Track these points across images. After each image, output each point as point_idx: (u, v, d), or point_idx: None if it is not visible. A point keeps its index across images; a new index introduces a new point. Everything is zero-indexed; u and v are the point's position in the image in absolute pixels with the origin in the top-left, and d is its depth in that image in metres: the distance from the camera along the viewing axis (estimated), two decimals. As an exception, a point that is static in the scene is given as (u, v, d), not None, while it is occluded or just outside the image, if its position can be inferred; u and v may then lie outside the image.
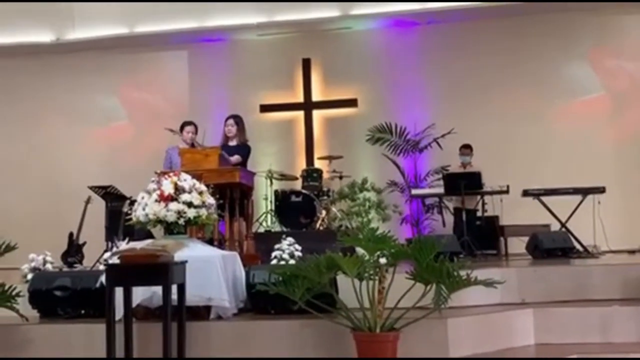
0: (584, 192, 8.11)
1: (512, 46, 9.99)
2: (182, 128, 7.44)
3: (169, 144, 7.58)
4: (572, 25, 9.88)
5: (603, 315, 4.98)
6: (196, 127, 7.38)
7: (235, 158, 6.88)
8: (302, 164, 10.09)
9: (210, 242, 6.04)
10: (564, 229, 7.93)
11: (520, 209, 8.40)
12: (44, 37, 10.66)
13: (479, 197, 8.39)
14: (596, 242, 8.05)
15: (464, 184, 8.00)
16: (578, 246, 7.67)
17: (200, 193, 4.96)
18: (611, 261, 6.91)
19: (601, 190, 8.09)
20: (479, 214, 8.52)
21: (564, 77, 9.95)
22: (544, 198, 8.16)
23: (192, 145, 7.28)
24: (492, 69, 10.01)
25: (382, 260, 4.26)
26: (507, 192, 8.15)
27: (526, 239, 7.75)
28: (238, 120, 7.23)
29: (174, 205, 4.81)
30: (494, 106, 9.97)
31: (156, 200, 4.83)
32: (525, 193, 8.27)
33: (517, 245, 8.33)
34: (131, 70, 10.85)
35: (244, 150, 7.12)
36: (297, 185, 9.17)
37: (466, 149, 8.80)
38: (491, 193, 8.26)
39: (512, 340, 4.88)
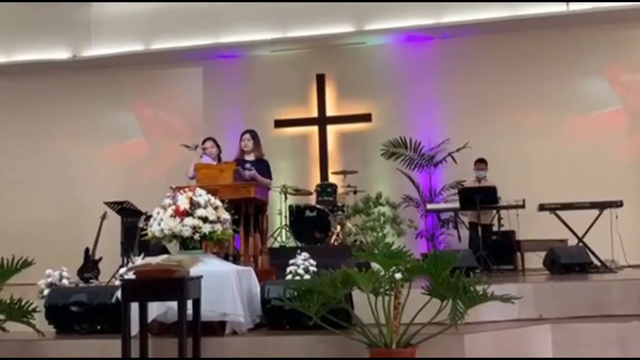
0: (601, 206, 8.04)
1: (526, 60, 9.97)
2: (203, 143, 7.47)
3: (186, 159, 7.61)
4: (588, 40, 9.85)
5: (622, 330, 4.93)
6: (216, 142, 7.42)
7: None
8: (316, 179, 10.11)
9: (225, 257, 6.05)
10: (581, 244, 7.86)
11: (537, 223, 8.33)
12: (61, 54, 10.79)
13: (494, 211, 8.34)
14: (614, 257, 7.94)
15: (480, 198, 7.96)
16: (596, 261, 7.60)
17: (216, 208, 4.98)
18: (630, 276, 6.83)
19: (618, 204, 8.02)
20: (495, 228, 8.46)
21: (580, 91, 9.91)
22: (560, 212, 8.10)
23: (219, 159, 7.31)
24: (507, 83, 9.99)
25: (398, 276, 4.25)
26: (523, 206, 8.09)
27: (543, 254, 7.69)
28: (254, 134, 7.27)
29: (189, 221, 4.83)
30: (509, 120, 9.94)
31: (171, 216, 4.85)
32: (542, 207, 8.21)
33: (534, 260, 8.25)
34: (146, 87, 10.95)
35: (263, 165, 7.14)
36: (312, 200, 9.18)
37: (481, 163, 8.76)
38: (507, 207, 8.20)
39: (529, 356, 4.83)
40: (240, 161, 7.06)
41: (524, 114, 9.91)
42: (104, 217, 8.51)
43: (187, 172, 7.07)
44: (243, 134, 7.30)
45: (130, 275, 4.40)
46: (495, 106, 9.98)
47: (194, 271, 4.42)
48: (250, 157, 7.18)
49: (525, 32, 9.92)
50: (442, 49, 10.28)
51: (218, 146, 7.41)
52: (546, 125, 9.82)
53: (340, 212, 8.83)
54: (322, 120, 10.54)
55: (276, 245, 8.72)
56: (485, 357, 4.57)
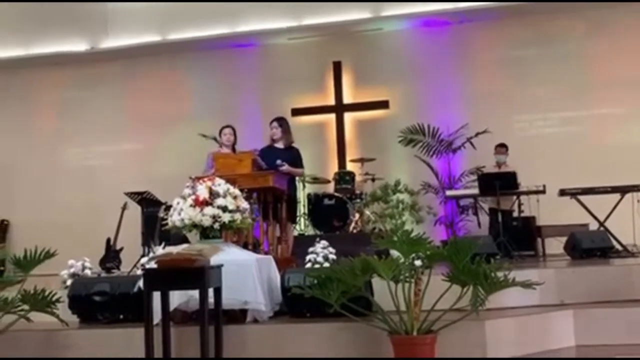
0: (623, 190, 7.97)
1: (546, 43, 9.87)
2: (220, 131, 7.45)
3: (207, 149, 7.62)
4: (609, 20, 9.71)
5: (645, 315, 4.89)
6: (234, 130, 7.38)
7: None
8: (334, 167, 10.10)
9: (244, 246, 6.08)
10: (602, 228, 7.81)
11: (558, 208, 8.28)
12: (78, 46, 10.86)
13: (514, 197, 8.29)
14: (636, 241, 7.89)
15: (500, 184, 7.91)
16: (617, 245, 7.54)
17: (235, 197, 5.00)
18: (652, 260, 6.77)
19: (640, 188, 7.94)
20: (515, 214, 8.41)
21: (601, 73, 9.77)
22: (581, 197, 8.04)
23: (233, 149, 7.29)
24: (526, 67, 9.90)
25: (418, 263, 4.25)
26: (543, 191, 8.05)
27: (564, 239, 7.64)
28: (282, 122, 7.27)
29: (209, 210, 4.86)
30: (528, 104, 9.85)
31: (191, 205, 4.88)
32: (562, 192, 8.16)
33: (555, 245, 8.20)
34: (164, 77, 10.98)
35: (293, 153, 7.15)
36: (330, 188, 9.18)
37: (501, 148, 8.70)
38: (527, 193, 8.16)
39: (551, 342, 4.82)
40: (270, 149, 7.08)
41: (544, 97, 9.81)
42: (124, 207, 8.58)
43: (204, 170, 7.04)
44: (271, 122, 7.29)
45: (152, 265, 4.43)
46: (514, 90, 9.90)
47: (214, 260, 4.45)
48: (279, 145, 7.18)
49: (544, 15, 9.81)
50: (459, 34, 10.20)
51: (235, 135, 7.38)
52: (567, 108, 9.73)
53: (358, 200, 8.82)
54: (340, 108, 10.52)
55: (295, 233, 8.73)
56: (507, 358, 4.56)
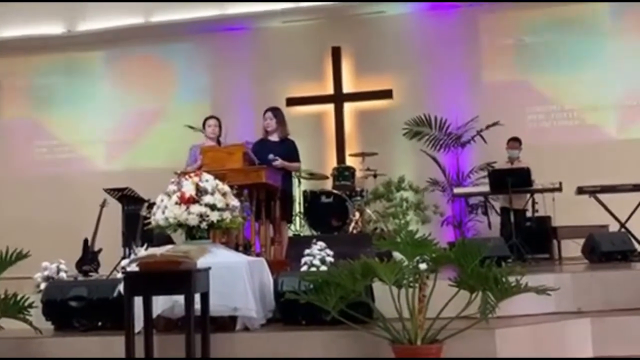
0: (646, 188, 8.01)
1: (564, 28, 9.88)
2: (204, 123, 7.47)
3: (192, 142, 7.63)
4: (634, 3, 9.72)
5: (669, 324, 4.91)
6: (219, 122, 7.39)
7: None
8: (332, 162, 10.11)
9: (235, 247, 6.09)
10: (623, 230, 7.83)
11: (575, 208, 8.30)
12: (53, 29, 10.83)
13: (528, 195, 8.31)
14: (660, 244, 7.92)
15: (512, 181, 7.93)
16: (639, 248, 7.57)
17: (224, 194, 5.00)
18: (677, 265, 6.80)
19: (664, 186, 7.97)
20: (529, 214, 8.44)
21: (623, 61, 9.78)
22: (600, 196, 8.06)
23: (218, 142, 7.30)
24: (541, 54, 9.91)
25: (423, 266, 4.26)
26: (559, 189, 8.06)
27: (581, 241, 7.66)
28: (276, 112, 7.28)
29: (195, 208, 4.86)
30: (544, 95, 9.87)
31: (176, 203, 4.88)
32: (580, 190, 8.18)
33: (572, 248, 8.23)
34: (147, 63, 10.97)
35: (288, 146, 7.17)
36: (328, 185, 9.19)
37: (514, 142, 8.71)
38: (542, 191, 8.17)
39: (567, 353, 4.83)
40: (264, 142, 7.09)
41: (561, 87, 9.82)
42: (103, 205, 8.57)
43: (187, 164, 7.05)
44: (265, 112, 7.30)
45: (133, 268, 4.44)
46: (529, 80, 9.91)
47: (201, 262, 4.45)
48: (274, 137, 7.20)
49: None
50: (469, 17, 10.22)
51: (220, 127, 7.37)
52: (586, 100, 9.74)
53: (359, 198, 8.83)
54: (339, 98, 10.53)
55: (289, 234, 8.74)
56: (516, 358, 4.58)
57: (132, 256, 5.08)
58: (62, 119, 11.05)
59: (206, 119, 7.44)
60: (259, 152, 6.80)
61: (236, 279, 4.77)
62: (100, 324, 5.22)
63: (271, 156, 6.83)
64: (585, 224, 8.15)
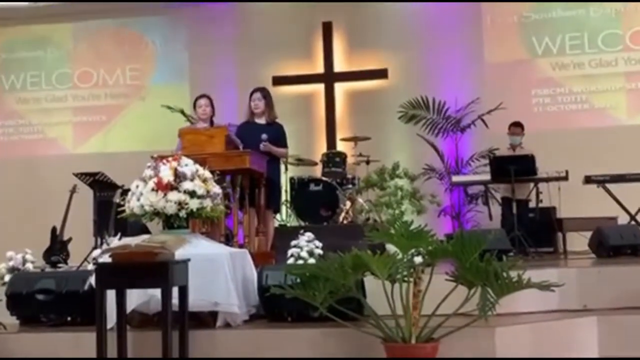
0: (658, 178, 8.06)
1: (570, 4, 9.89)
2: (194, 103, 7.37)
3: (171, 124, 7.58)
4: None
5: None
6: (211, 101, 7.30)
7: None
8: (322, 147, 10.13)
9: (216, 238, 6.10)
10: (633, 222, 7.88)
11: (582, 198, 8.35)
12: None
13: (532, 184, 8.34)
14: (672, 238, 7.98)
15: (515, 169, 7.94)
16: (650, 243, 7.62)
17: (204, 180, 5.00)
18: (690, 260, 6.86)
19: (678, 175, 8.03)
20: (532, 204, 8.47)
21: (633, 42, 9.82)
22: (609, 186, 8.10)
23: (211, 122, 7.23)
24: (547, 31, 9.93)
25: (418, 259, 4.27)
26: (565, 178, 8.09)
27: (588, 234, 7.71)
28: (265, 93, 7.25)
29: (173, 195, 4.85)
30: (549, 76, 9.90)
31: (153, 189, 4.87)
32: (588, 180, 8.22)
33: (578, 241, 8.29)
34: (121, 38, 10.92)
35: (277, 130, 7.16)
36: (317, 171, 9.20)
37: (517, 127, 8.75)
38: (547, 180, 8.19)
39: (571, 353, 4.87)
40: (249, 124, 7.08)
41: (568, 68, 9.85)
42: (73, 190, 8.54)
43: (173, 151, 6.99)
44: (252, 92, 7.26)
45: (106, 259, 4.43)
46: (534, 60, 9.94)
47: (179, 254, 4.46)
48: (261, 120, 7.17)
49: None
50: (471, -8, 10.21)
51: (213, 106, 7.32)
52: (594, 83, 9.78)
53: (350, 186, 8.85)
54: (329, 77, 10.52)
55: (275, 224, 8.75)
56: (516, 358, 4.62)
57: (105, 246, 5.09)
58: (29, 97, 10.98)
59: (196, 99, 7.31)
60: (243, 136, 6.79)
61: (217, 272, 4.77)
62: (69, 319, 5.22)
63: (264, 136, 6.83)
64: (593, 215, 8.20)
